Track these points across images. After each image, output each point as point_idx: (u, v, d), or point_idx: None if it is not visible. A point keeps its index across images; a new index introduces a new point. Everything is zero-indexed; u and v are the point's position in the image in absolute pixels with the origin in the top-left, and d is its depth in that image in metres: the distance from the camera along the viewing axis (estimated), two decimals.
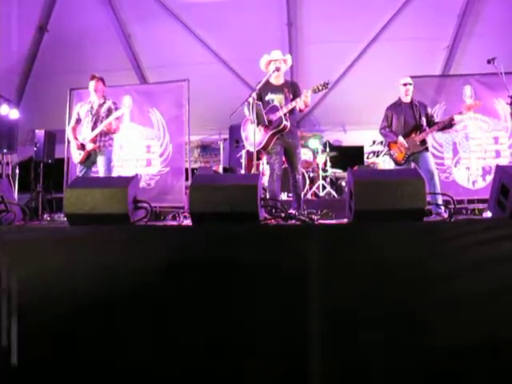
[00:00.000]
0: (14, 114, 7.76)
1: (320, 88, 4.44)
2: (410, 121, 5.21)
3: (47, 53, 9.03)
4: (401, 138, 5.15)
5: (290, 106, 4.50)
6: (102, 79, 5.34)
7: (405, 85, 5.31)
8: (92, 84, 5.28)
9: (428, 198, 2.52)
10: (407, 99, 5.30)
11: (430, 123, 5.21)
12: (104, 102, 5.29)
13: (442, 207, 4.25)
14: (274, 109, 4.54)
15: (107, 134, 5.20)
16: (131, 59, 9.33)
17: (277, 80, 4.70)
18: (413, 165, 5.17)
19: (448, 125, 5.13)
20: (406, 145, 5.11)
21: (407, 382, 2.09)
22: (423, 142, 5.15)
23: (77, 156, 5.24)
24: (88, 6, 8.65)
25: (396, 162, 5.24)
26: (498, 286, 2.12)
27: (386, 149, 5.44)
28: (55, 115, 7.55)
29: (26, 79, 9.37)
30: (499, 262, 2.14)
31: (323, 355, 2.14)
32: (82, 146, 5.17)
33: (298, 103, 4.49)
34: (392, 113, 5.33)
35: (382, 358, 2.11)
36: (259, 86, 4.53)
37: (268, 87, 4.65)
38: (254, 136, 4.35)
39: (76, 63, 8.48)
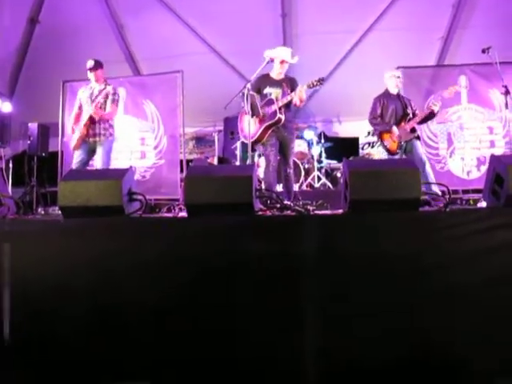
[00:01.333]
0: (6, 107, 7.69)
1: (315, 84, 4.45)
2: (398, 110, 5.31)
3: (39, 45, 8.92)
4: (394, 128, 5.22)
5: (285, 100, 4.52)
6: (95, 66, 5.11)
7: (398, 77, 5.43)
8: (91, 75, 5.14)
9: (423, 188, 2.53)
10: (395, 91, 5.41)
11: (414, 115, 5.32)
12: (104, 88, 5.12)
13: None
14: (270, 102, 4.55)
15: (107, 120, 5.07)
16: (124, 51, 9.25)
17: (278, 75, 4.74)
18: (408, 155, 5.19)
19: (430, 114, 5.24)
20: (397, 133, 5.18)
21: (402, 372, 2.11)
22: (413, 129, 5.25)
23: (73, 141, 5.11)
24: None
25: (390, 152, 5.28)
26: (493, 275, 2.13)
27: (378, 139, 5.47)
28: (48, 108, 7.47)
29: (18, 72, 9.26)
30: (494, 251, 2.15)
31: (318, 345, 2.15)
32: (74, 131, 5.07)
33: (293, 98, 4.49)
34: (382, 103, 5.38)
35: (378, 348, 2.12)
36: (254, 76, 4.53)
37: (267, 81, 4.69)
38: (248, 127, 4.34)
39: (68, 55, 8.38)
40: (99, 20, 8.83)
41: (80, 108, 5.23)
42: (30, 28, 8.88)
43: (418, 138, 5.32)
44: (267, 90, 4.66)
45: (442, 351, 2.12)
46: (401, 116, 5.29)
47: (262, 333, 2.20)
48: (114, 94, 5.15)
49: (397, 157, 5.21)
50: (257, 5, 8.47)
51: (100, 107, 5.03)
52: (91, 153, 5.13)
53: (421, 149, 5.29)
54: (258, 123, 4.53)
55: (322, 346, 2.16)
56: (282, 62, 4.72)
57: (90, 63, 5.15)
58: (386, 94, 5.42)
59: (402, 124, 5.23)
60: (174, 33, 8.78)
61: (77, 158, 5.11)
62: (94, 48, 8.61)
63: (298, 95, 4.49)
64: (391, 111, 5.32)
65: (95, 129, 5.03)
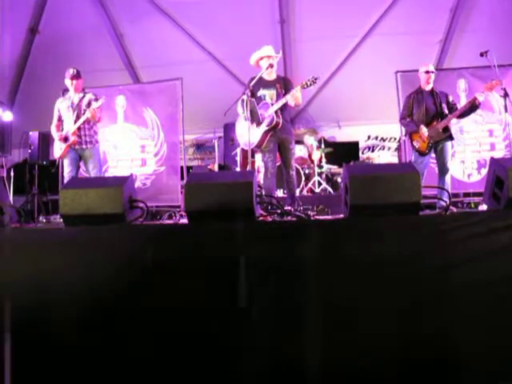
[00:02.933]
0: (7, 116, 7.73)
1: (308, 83, 4.40)
2: (431, 109, 5.03)
3: (39, 54, 8.98)
4: (423, 128, 4.95)
5: (280, 103, 4.48)
6: (77, 75, 5.15)
7: (427, 72, 5.12)
8: (68, 82, 5.15)
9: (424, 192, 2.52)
10: (428, 87, 5.13)
11: (452, 110, 5.03)
12: (83, 96, 5.15)
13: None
14: (265, 106, 4.53)
15: (91, 127, 5.11)
16: (124, 59, 9.29)
17: (269, 75, 4.67)
18: (428, 157, 5.05)
19: (472, 106, 4.93)
20: (426, 134, 4.93)
21: (404, 374, 2.10)
22: (446, 129, 4.97)
23: (58, 150, 5.12)
24: (79, 7, 8.61)
25: (420, 153, 5.04)
26: (494, 277, 2.13)
27: (409, 139, 5.25)
28: (49, 117, 7.47)
29: (19, 81, 9.32)
30: (495, 254, 2.15)
31: (322, 351, 2.15)
32: (65, 139, 5.05)
33: (288, 99, 4.47)
34: (413, 101, 5.14)
35: (380, 352, 2.11)
36: (252, 83, 4.52)
37: (260, 83, 4.59)
38: (249, 134, 4.34)
39: (68, 64, 8.29)
40: (99, 29, 8.88)
41: (59, 119, 5.24)
42: (29, 38, 8.95)
43: (451, 137, 5.01)
44: (260, 92, 4.61)
45: (445, 353, 2.11)
46: (433, 114, 5.01)
47: (263, 337, 2.20)
48: (96, 99, 5.10)
49: (426, 158, 5.02)
50: (255, 11, 8.52)
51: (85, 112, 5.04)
52: (78, 161, 5.16)
53: (449, 153, 5.01)
54: (256, 129, 4.53)
55: (324, 352, 2.16)
56: (261, 58, 4.68)
57: (73, 71, 5.16)
58: (418, 91, 5.16)
59: (434, 123, 4.96)
60: (174, 40, 8.82)
61: (66, 168, 5.12)
62: (93, 57, 8.69)
63: (293, 96, 4.46)
64: (420, 109, 5.06)
65: (81, 137, 5.07)
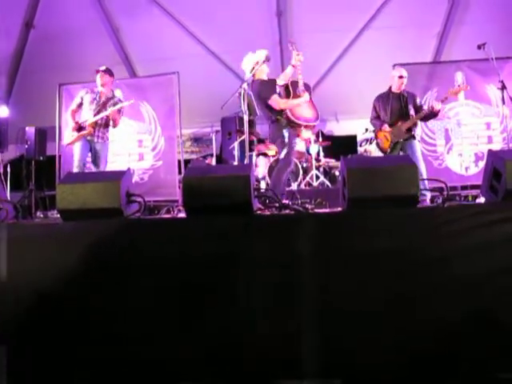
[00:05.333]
0: (3, 111, 7.69)
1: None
2: (396, 110, 5.23)
3: (35, 49, 8.95)
4: (385, 126, 5.20)
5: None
6: (107, 71, 5.27)
7: (400, 77, 5.28)
8: (97, 78, 5.23)
9: None
10: (397, 90, 5.29)
11: (418, 112, 5.18)
12: (112, 97, 5.28)
13: (427, 194, 4.30)
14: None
15: (106, 126, 5.21)
16: (120, 53, 9.26)
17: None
18: (401, 153, 5.17)
19: (431, 113, 5.09)
20: (388, 132, 5.15)
21: (403, 367, 2.10)
22: (409, 129, 5.13)
23: (68, 137, 5.18)
24: (74, 0, 8.56)
25: (382, 151, 5.27)
26: (492, 270, 2.13)
27: (375, 138, 5.48)
28: (45, 112, 7.48)
29: (14, 76, 9.28)
30: (493, 246, 2.15)
31: (318, 344, 2.15)
32: (79, 129, 5.10)
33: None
34: (379, 104, 5.37)
35: (379, 344, 2.12)
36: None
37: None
38: (246, 126, 4.34)
39: (64, 59, 8.40)
40: (94, 23, 8.84)
41: (79, 106, 5.28)
42: (25, 32, 8.90)
43: (414, 137, 5.16)
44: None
45: (442, 345, 2.11)
46: (397, 115, 5.19)
47: (261, 329, 2.20)
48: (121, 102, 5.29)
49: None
50: (252, 4, 8.49)
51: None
52: (88, 150, 5.21)
53: (417, 148, 5.15)
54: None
55: (321, 343, 2.16)
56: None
57: (104, 67, 5.29)
58: (386, 94, 5.36)
59: (399, 124, 5.14)
60: (170, 34, 8.79)
61: (77, 154, 5.15)
62: (89, 51, 8.65)
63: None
64: (385, 111, 5.28)
65: (96, 131, 5.15)
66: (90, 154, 5.23)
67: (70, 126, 5.21)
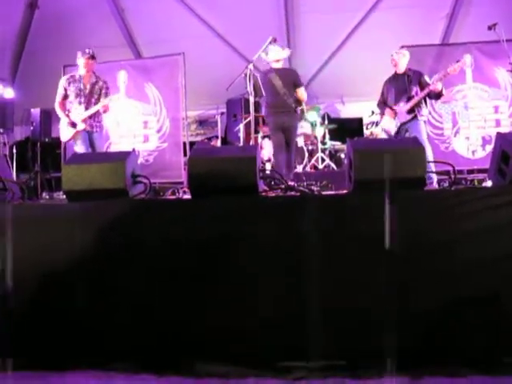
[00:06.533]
0: (8, 93, 7.68)
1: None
2: (401, 91, 5.18)
3: (39, 30, 8.87)
4: (387, 110, 5.21)
5: None
6: (93, 56, 5.11)
7: (392, 55, 5.30)
8: (82, 61, 5.10)
9: None
10: (400, 70, 5.25)
11: (423, 90, 5.10)
12: (96, 82, 5.18)
13: (434, 177, 4.27)
14: None
15: (100, 113, 5.17)
16: (125, 34, 9.17)
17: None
18: (407, 135, 5.12)
19: (434, 92, 5.03)
20: (393, 115, 5.14)
21: (404, 352, 2.11)
22: (411, 110, 5.08)
23: (65, 134, 5.12)
24: None
25: (386, 133, 5.27)
26: (500, 252, 2.12)
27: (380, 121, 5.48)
28: (50, 93, 7.41)
29: (19, 58, 9.23)
30: (501, 228, 2.14)
31: (320, 326, 2.15)
32: (73, 125, 5.05)
33: None
34: (386, 87, 5.37)
35: (382, 327, 2.12)
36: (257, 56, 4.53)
37: None
38: (252, 108, 4.33)
39: (69, 39, 8.31)
40: (99, 3, 8.74)
41: (64, 98, 5.18)
42: (29, 13, 8.82)
43: (416, 117, 5.08)
44: None
45: (448, 330, 2.12)
46: (400, 96, 5.16)
47: (264, 311, 2.21)
48: (107, 88, 5.24)
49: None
50: None
51: (98, 101, 5.11)
52: (88, 143, 5.14)
53: (421, 128, 5.07)
54: None
55: (325, 327, 2.16)
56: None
57: (89, 51, 5.11)
58: (392, 76, 5.34)
59: (401, 104, 5.11)
60: (175, 15, 8.69)
61: (81, 147, 5.09)
62: (94, 32, 8.57)
63: None
64: (391, 93, 5.27)
65: (91, 122, 5.11)
66: None
67: (64, 121, 5.12)
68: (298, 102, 5.01)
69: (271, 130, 5.12)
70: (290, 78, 4.97)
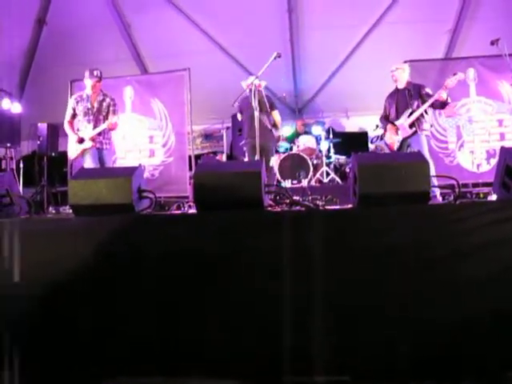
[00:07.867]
0: (16, 107, 7.76)
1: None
2: (402, 106, 5.20)
3: (47, 46, 8.99)
4: (389, 126, 5.24)
5: None
6: (99, 76, 5.16)
7: (392, 71, 5.34)
8: (89, 83, 5.15)
9: None
10: (400, 85, 5.29)
11: (424, 102, 5.10)
12: (103, 100, 5.22)
13: (437, 190, 4.27)
14: None
15: (108, 130, 5.20)
16: (131, 49, 9.28)
17: None
18: (409, 150, 5.14)
19: (437, 103, 5.03)
20: (395, 131, 5.16)
21: (407, 364, 2.10)
22: (413, 125, 5.09)
23: (73, 151, 5.17)
24: None
25: (389, 148, 5.30)
26: (504, 267, 2.12)
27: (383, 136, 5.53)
28: (57, 108, 7.48)
29: (27, 73, 9.34)
30: (504, 243, 2.14)
31: (327, 340, 2.15)
32: (81, 141, 5.09)
33: None
34: (388, 102, 5.41)
35: (387, 338, 2.12)
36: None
37: None
38: (256, 122, 4.35)
39: (76, 55, 8.44)
40: (106, 19, 8.87)
41: (73, 117, 5.23)
42: (37, 29, 8.95)
43: (419, 131, 5.08)
44: None
45: (450, 343, 2.11)
46: (401, 111, 5.19)
47: (270, 324, 2.21)
48: (115, 104, 5.27)
49: None
50: (263, 1, 8.46)
51: (106, 118, 5.14)
52: (97, 160, 5.18)
53: (423, 143, 5.07)
54: None
55: (333, 341, 2.16)
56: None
57: (97, 73, 5.16)
58: (394, 91, 5.38)
59: (403, 119, 5.14)
60: (181, 30, 8.79)
61: (90, 165, 5.10)
62: (101, 47, 8.70)
63: None
64: (393, 109, 5.31)
65: (101, 139, 5.15)
66: None
67: (72, 139, 5.17)
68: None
69: None
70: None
